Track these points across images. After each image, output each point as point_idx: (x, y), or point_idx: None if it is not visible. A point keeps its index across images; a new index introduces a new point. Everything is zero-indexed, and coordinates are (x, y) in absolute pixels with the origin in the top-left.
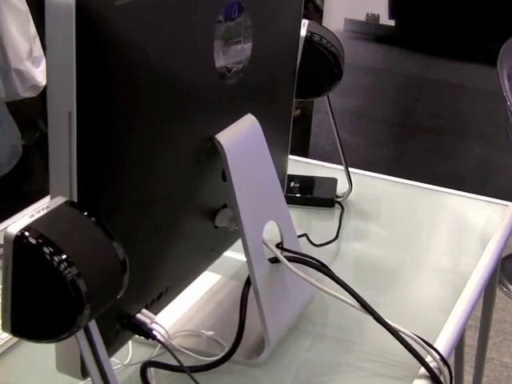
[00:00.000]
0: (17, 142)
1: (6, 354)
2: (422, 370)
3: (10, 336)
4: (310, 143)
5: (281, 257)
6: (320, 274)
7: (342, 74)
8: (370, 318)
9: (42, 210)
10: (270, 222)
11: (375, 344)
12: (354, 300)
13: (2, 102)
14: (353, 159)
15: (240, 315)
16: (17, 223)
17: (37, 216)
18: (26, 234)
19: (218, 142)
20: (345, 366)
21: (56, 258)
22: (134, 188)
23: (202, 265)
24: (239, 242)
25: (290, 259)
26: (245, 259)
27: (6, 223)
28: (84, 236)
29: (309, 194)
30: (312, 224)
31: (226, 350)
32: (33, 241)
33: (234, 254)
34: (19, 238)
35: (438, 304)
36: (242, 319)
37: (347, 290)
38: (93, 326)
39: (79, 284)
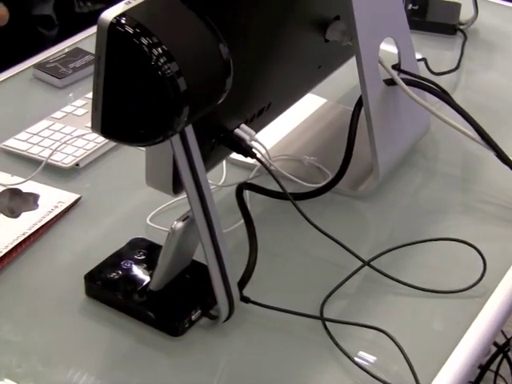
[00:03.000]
0: None
1: (90, 167)
2: None
3: (96, 146)
4: None
5: (397, 78)
6: (438, 104)
7: None
8: (492, 156)
9: None
10: (387, 38)
11: (496, 184)
12: (476, 133)
13: None
14: None
15: (348, 139)
16: (112, 9)
17: (134, 3)
18: (123, 21)
19: None
20: (460, 205)
21: (155, 51)
22: None
23: (309, 83)
24: (351, 62)
25: (407, 82)
26: (354, 83)
27: None
28: (186, 29)
29: (428, 18)
30: (431, 52)
31: (330, 177)
32: (130, 29)
33: (344, 75)
34: (114, 26)
35: None
36: (351, 144)
37: (469, 121)
38: (190, 132)
39: (178, 82)
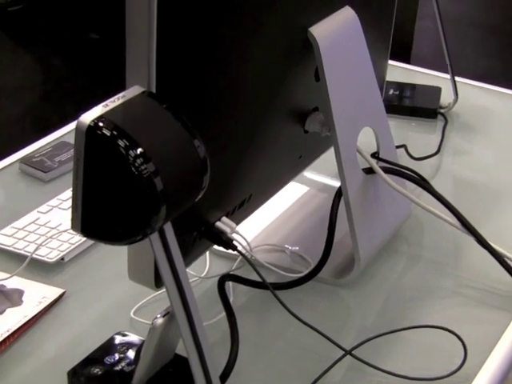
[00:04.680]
0: None
1: (75, 261)
2: None
3: (81, 241)
4: (412, 52)
5: (376, 167)
6: (418, 190)
7: None
8: (472, 241)
9: (117, 99)
10: (365, 128)
11: (476, 269)
12: (455, 219)
13: None
14: (459, 71)
15: (329, 229)
16: (90, 112)
17: (111, 105)
18: (100, 124)
19: (312, 35)
20: (441, 290)
21: (132, 152)
22: (218, 82)
23: (289, 173)
24: (331, 151)
25: (386, 170)
26: (336, 171)
27: None
28: (163, 130)
29: (409, 102)
30: (411, 136)
31: (312, 266)
32: (107, 132)
33: (324, 166)
34: (92, 129)
35: None
36: (331, 233)
37: (448, 208)
38: (168, 229)
39: (155, 181)
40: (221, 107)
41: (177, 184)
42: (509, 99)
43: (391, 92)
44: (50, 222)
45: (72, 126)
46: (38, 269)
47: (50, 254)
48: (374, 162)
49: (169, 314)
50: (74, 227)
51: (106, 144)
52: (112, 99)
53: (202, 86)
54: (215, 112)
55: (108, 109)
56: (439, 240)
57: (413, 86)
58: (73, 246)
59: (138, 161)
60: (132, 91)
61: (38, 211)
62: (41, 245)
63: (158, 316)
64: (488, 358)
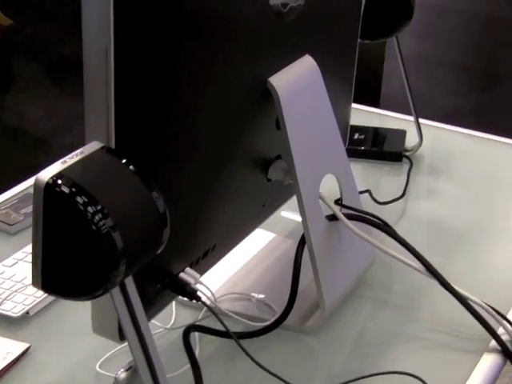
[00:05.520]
0: None
1: (40, 315)
2: (493, 343)
3: (44, 296)
4: (382, 92)
5: (339, 214)
6: (382, 235)
7: (412, 13)
8: (437, 285)
9: (76, 155)
10: (328, 175)
11: (441, 313)
12: (420, 263)
13: None
14: (427, 111)
15: (293, 277)
16: (48, 169)
17: (70, 162)
18: (58, 181)
19: (272, 85)
20: (407, 336)
21: (90, 209)
22: (178, 134)
23: (253, 222)
24: (294, 198)
25: (349, 217)
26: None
27: None
28: (121, 185)
29: (374, 146)
30: (377, 180)
31: (278, 315)
32: (65, 189)
33: (289, 211)
34: (50, 186)
35: None
36: (296, 282)
37: (412, 253)
38: (129, 283)
39: (114, 237)
40: (181, 159)
41: (136, 239)
42: (472, 140)
43: (356, 136)
44: (15, 276)
45: None
46: (3, 323)
47: (14, 308)
48: (337, 208)
49: (132, 368)
50: (34, 283)
51: (65, 201)
52: (71, 155)
53: (162, 138)
54: (176, 164)
55: (66, 165)
56: (404, 284)
57: (378, 130)
58: (38, 300)
59: (97, 217)
60: (91, 147)
61: (2, 264)
62: (5, 299)
63: (122, 370)
64: None
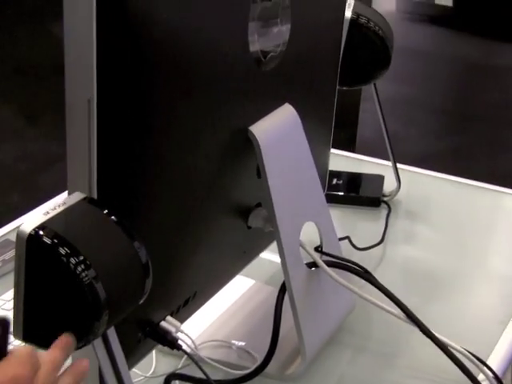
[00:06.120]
0: None
1: None
2: None
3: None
4: (358, 135)
5: (320, 261)
6: (362, 281)
7: (390, 61)
8: (417, 331)
9: (58, 206)
10: (308, 223)
11: (422, 359)
12: (400, 310)
13: None
14: (404, 153)
15: (274, 325)
16: (30, 221)
17: (52, 213)
18: (41, 232)
19: (252, 134)
20: (386, 382)
21: (72, 260)
22: (160, 184)
23: (234, 268)
24: (275, 244)
25: (329, 264)
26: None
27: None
28: (103, 236)
29: (353, 192)
30: (356, 225)
31: (258, 362)
32: (47, 240)
33: (270, 256)
34: (33, 238)
35: (493, 316)
36: (276, 329)
37: (392, 299)
38: (112, 334)
39: (97, 288)
40: (163, 208)
41: (119, 289)
42: (450, 185)
43: (335, 181)
44: None
45: (16, 223)
46: None
47: None
48: (317, 256)
49: None
50: (15, 334)
51: (47, 252)
52: (53, 206)
53: (143, 188)
54: (157, 213)
55: (48, 217)
56: (384, 331)
57: (356, 175)
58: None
59: (79, 268)
60: (73, 198)
61: None
62: None
63: None
64: None
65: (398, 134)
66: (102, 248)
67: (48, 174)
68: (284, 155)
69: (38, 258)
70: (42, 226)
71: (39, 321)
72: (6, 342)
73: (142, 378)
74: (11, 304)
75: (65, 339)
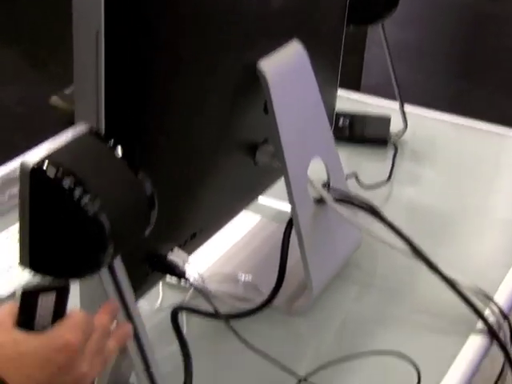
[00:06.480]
0: None
1: None
2: (480, 324)
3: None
4: (362, 80)
5: (327, 197)
6: (369, 218)
7: (398, 1)
8: (423, 267)
9: (62, 139)
10: (315, 159)
11: (428, 295)
12: (407, 246)
13: None
14: (410, 98)
15: (281, 259)
16: (33, 154)
17: (56, 145)
18: (44, 164)
19: (261, 69)
20: (394, 318)
21: (77, 192)
22: (168, 118)
23: (240, 204)
24: (281, 182)
25: (336, 200)
26: (288, 200)
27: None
28: (108, 168)
29: (359, 132)
30: (362, 165)
31: (265, 296)
32: (51, 172)
33: (277, 193)
34: (36, 170)
35: (499, 256)
36: (283, 263)
37: (399, 235)
38: (118, 264)
39: (102, 219)
40: (169, 142)
41: (124, 221)
42: (456, 127)
43: (341, 122)
44: (0, 256)
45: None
46: None
47: (0, 288)
48: (324, 191)
49: (120, 348)
50: (22, 263)
51: (51, 184)
52: (57, 138)
53: (149, 122)
54: (164, 146)
55: (52, 148)
56: (391, 267)
57: (363, 116)
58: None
59: (84, 200)
60: (77, 130)
61: None
62: None
63: None
64: (441, 383)
65: (403, 78)
66: (107, 180)
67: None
68: (292, 91)
69: (41, 190)
70: (45, 158)
71: (45, 252)
72: (64, 305)
73: (149, 310)
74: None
75: (111, 304)
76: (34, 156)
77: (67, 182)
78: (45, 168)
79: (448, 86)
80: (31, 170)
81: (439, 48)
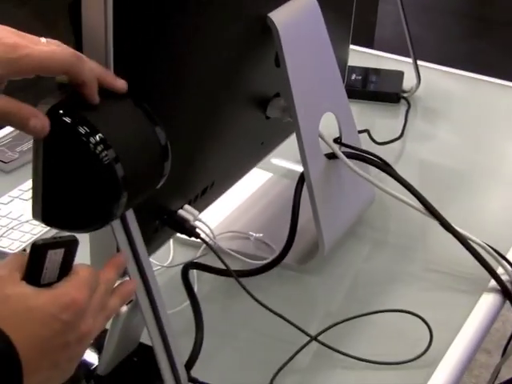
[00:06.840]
0: None
1: None
2: (492, 282)
3: (43, 231)
4: (375, 36)
5: (339, 152)
6: (381, 174)
7: None
8: (436, 224)
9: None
10: (327, 113)
11: (441, 253)
12: (419, 203)
13: None
14: (422, 56)
15: (292, 215)
16: (48, 99)
17: (70, 92)
18: (60, 111)
19: (272, 20)
20: (406, 275)
21: (92, 139)
22: (178, 69)
23: (252, 160)
24: (293, 137)
25: (348, 155)
26: (299, 157)
27: None
28: (123, 117)
29: (372, 87)
30: (375, 121)
31: (276, 253)
32: (66, 119)
33: (289, 155)
34: (51, 116)
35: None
36: (295, 220)
37: (412, 192)
38: (130, 216)
39: (116, 169)
40: (181, 94)
41: (138, 170)
42: (470, 82)
43: (354, 77)
44: (11, 213)
45: None
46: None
47: (11, 245)
48: (336, 147)
49: (132, 302)
50: (34, 216)
51: (66, 131)
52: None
53: (161, 73)
54: (175, 100)
55: (67, 95)
56: (404, 224)
57: (375, 71)
58: (35, 237)
59: (99, 148)
60: None
61: None
62: (2, 236)
63: None
64: (453, 341)
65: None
66: (122, 129)
67: None
68: (303, 44)
69: (56, 137)
70: (60, 105)
71: (58, 202)
72: (71, 260)
73: (159, 267)
74: (29, 194)
75: (117, 259)
76: (49, 101)
77: (83, 129)
78: (60, 114)
79: (461, 44)
80: (47, 113)
81: (453, 6)
